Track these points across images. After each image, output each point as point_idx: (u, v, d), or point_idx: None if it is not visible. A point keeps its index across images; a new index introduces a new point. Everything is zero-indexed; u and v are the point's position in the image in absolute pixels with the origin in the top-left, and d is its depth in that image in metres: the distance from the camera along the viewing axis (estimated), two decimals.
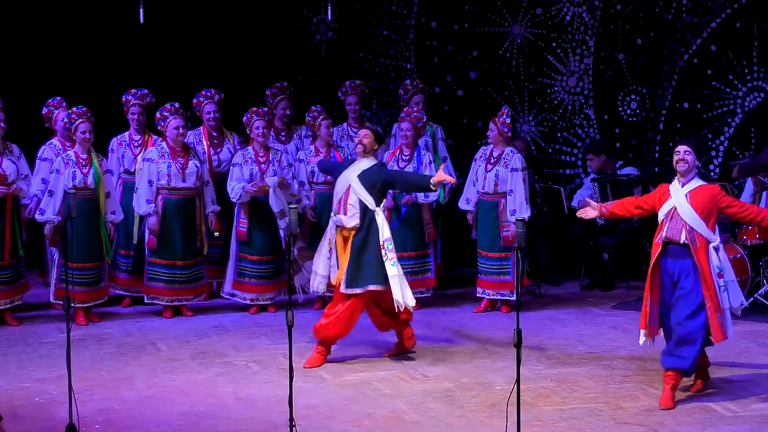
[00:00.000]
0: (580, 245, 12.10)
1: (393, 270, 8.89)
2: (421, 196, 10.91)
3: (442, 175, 8.98)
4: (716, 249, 7.96)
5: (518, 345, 6.73)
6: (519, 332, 6.73)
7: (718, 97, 12.26)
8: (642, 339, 8.10)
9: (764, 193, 11.09)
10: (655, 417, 7.72)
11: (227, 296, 11.02)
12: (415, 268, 11.08)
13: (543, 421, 7.67)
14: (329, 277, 9.17)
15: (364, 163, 9.16)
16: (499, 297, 10.88)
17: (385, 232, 8.95)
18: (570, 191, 12.35)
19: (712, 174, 12.16)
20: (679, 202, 8.00)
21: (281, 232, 10.80)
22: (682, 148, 8.12)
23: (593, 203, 8.52)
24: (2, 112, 10.46)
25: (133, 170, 11.02)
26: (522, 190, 10.65)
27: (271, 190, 10.63)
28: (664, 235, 7.99)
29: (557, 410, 7.89)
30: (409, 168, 10.88)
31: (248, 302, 10.93)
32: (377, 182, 9.05)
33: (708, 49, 12.25)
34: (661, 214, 8.09)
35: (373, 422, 7.71)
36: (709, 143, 12.31)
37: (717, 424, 7.57)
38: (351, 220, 9.03)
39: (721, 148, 12.28)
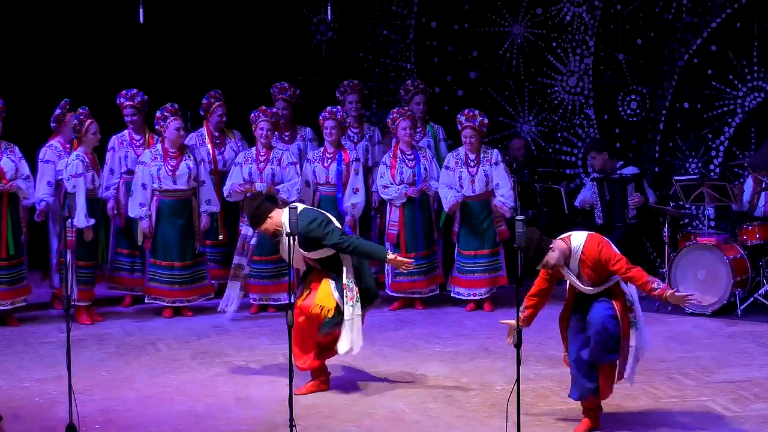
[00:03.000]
0: None
1: (349, 311, 8.20)
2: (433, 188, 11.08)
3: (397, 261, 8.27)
4: (626, 284, 7.41)
5: (518, 345, 6.73)
6: (519, 332, 6.73)
7: (718, 97, 12.26)
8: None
9: (763, 193, 11.10)
10: (655, 417, 7.72)
11: None
12: (425, 267, 11.12)
13: (543, 421, 7.67)
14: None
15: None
16: (490, 294, 11.04)
17: (351, 269, 8.27)
18: (570, 191, 12.36)
19: (712, 174, 12.16)
20: (577, 285, 7.44)
21: None
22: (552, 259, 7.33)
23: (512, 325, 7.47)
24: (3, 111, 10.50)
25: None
26: (508, 181, 10.97)
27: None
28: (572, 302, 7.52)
29: (557, 410, 7.89)
30: (418, 166, 10.99)
31: (252, 301, 10.95)
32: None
33: (708, 49, 12.25)
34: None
35: (373, 422, 7.71)
36: (709, 143, 12.31)
37: (717, 424, 7.57)
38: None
39: (721, 148, 12.28)
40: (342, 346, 8.22)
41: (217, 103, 11.35)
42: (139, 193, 10.64)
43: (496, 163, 10.93)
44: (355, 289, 8.23)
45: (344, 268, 8.22)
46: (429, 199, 11.18)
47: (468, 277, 11.01)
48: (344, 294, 8.20)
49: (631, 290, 7.47)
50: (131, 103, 11.12)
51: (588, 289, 7.42)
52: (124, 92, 11.16)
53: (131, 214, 10.73)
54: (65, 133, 10.86)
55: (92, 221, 10.31)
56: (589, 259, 7.35)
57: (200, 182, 10.79)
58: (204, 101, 11.39)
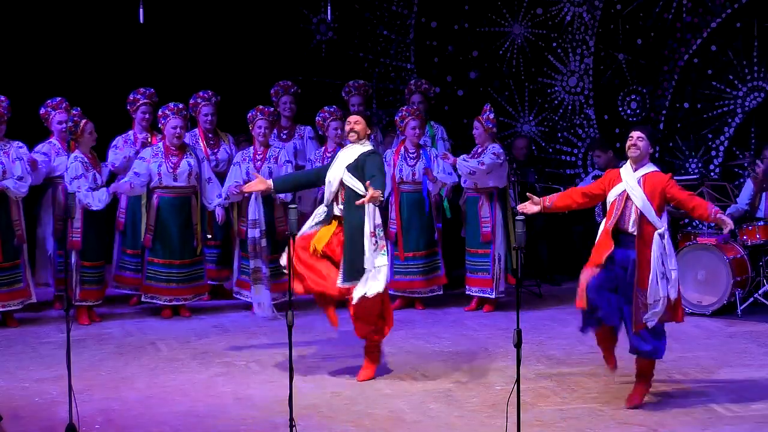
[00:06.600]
0: (579, 245, 12.10)
1: (383, 260, 8.42)
2: (430, 185, 11.05)
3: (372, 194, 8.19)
4: (662, 236, 7.75)
5: (518, 345, 6.73)
6: (519, 332, 6.73)
7: (718, 97, 12.27)
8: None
9: (764, 194, 11.10)
10: (655, 417, 7.72)
11: (235, 295, 11.08)
12: (426, 267, 11.13)
13: (543, 421, 7.67)
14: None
15: (356, 150, 8.61)
16: (481, 294, 11.05)
17: (376, 217, 8.44)
18: None
19: (712, 174, 12.17)
20: (632, 186, 7.84)
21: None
22: (635, 134, 7.93)
23: (535, 198, 8.13)
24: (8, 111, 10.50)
25: None
26: (489, 162, 10.66)
27: (253, 197, 10.55)
28: (613, 222, 7.81)
29: (557, 410, 7.89)
30: (420, 165, 11.00)
31: (251, 300, 10.95)
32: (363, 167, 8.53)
33: (708, 49, 12.26)
34: (611, 197, 7.91)
35: (373, 422, 7.71)
36: (709, 143, 12.31)
37: (717, 424, 7.57)
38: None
39: (721, 148, 12.29)
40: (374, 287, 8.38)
41: (203, 103, 11.32)
42: (129, 177, 10.56)
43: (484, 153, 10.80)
44: (384, 239, 8.46)
45: (371, 216, 8.35)
46: (426, 199, 11.16)
47: (469, 276, 11.06)
48: (373, 242, 8.34)
49: (666, 244, 7.73)
50: (149, 101, 11.14)
51: (642, 202, 7.72)
52: (142, 89, 11.16)
53: (112, 189, 10.46)
54: (55, 131, 10.91)
55: (109, 199, 10.31)
56: (653, 181, 7.84)
57: (206, 179, 10.78)
58: (191, 101, 11.36)
